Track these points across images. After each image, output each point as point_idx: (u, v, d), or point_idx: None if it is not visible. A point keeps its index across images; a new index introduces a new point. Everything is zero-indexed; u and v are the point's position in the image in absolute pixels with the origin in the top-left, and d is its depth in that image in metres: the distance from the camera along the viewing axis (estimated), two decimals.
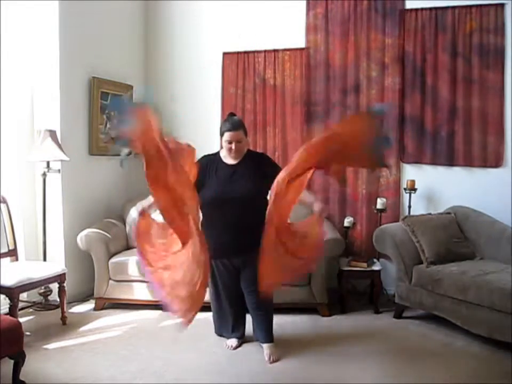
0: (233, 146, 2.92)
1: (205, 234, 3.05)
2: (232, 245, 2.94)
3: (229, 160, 3.02)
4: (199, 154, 3.10)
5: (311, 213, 2.99)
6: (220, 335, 3.30)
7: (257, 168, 2.99)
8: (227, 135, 2.93)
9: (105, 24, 4.40)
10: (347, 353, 3.10)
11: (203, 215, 3.04)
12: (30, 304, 3.79)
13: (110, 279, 3.87)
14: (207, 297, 3.73)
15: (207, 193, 2.94)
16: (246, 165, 2.99)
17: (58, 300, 3.60)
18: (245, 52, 4.62)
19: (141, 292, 3.85)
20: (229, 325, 3.22)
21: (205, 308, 3.73)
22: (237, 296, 3.14)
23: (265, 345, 3.07)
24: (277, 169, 2.95)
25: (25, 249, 3.92)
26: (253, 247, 2.93)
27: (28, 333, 3.23)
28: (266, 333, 3.11)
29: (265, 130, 4.59)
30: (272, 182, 2.87)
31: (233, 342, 3.19)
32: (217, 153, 3.11)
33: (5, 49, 3.74)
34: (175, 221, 2.62)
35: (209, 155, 3.19)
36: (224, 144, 2.97)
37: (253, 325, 3.20)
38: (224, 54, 4.69)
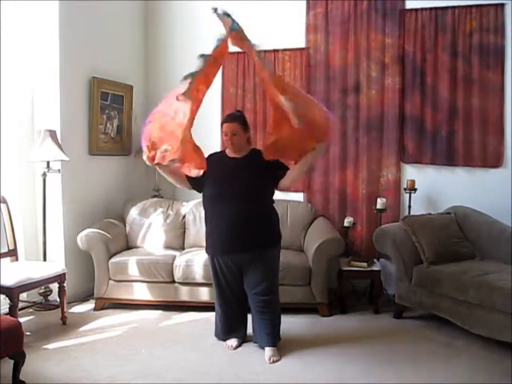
0: (228, 136, 2.95)
1: (207, 231, 3.05)
2: (234, 241, 2.92)
3: (232, 154, 3.02)
4: None
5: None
6: (221, 339, 3.24)
7: (263, 165, 2.94)
8: (223, 127, 2.99)
9: (105, 24, 4.39)
10: (347, 353, 3.10)
11: (205, 210, 3.04)
12: (30, 304, 3.79)
13: (110, 279, 3.87)
14: (208, 297, 3.77)
15: (210, 186, 2.95)
16: (251, 160, 2.99)
17: (58, 300, 3.60)
18: (245, 52, 4.60)
19: (141, 292, 3.85)
20: (230, 325, 3.20)
21: (206, 307, 3.75)
22: (240, 296, 3.12)
23: (267, 348, 3.05)
24: (284, 168, 2.96)
25: (25, 249, 3.92)
26: (257, 246, 2.91)
27: (28, 333, 3.23)
28: (269, 336, 3.06)
29: (265, 130, 4.58)
30: (278, 179, 2.94)
31: (233, 342, 3.18)
32: (223, 151, 3.15)
33: (5, 49, 3.74)
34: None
35: (215, 153, 3.23)
36: (224, 138, 3.01)
37: (253, 326, 3.18)
38: None
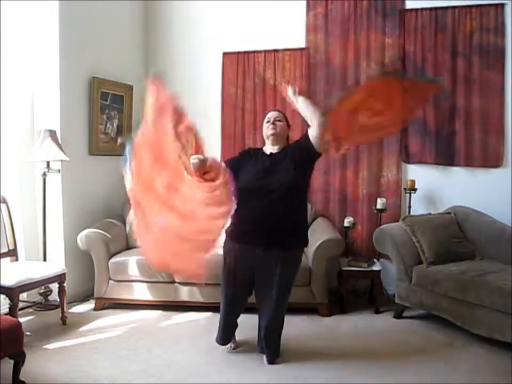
0: (271, 120, 2.95)
1: (233, 221, 2.86)
2: (261, 233, 2.79)
3: (269, 149, 2.97)
4: None
5: None
6: (221, 343, 3.15)
7: (295, 152, 2.87)
8: (267, 115, 3.02)
9: (105, 24, 4.39)
10: (347, 353, 3.10)
11: (238, 202, 2.82)
12: (30, 304, 3.79)
13: (110, 279, 3.87)
14: (209, 298, 3.76)
15: (244, 179, 2.86)
16: (285, 154, 2.90)
17: (58, 299, 3.60)
18: (245, 52, 4.62)
19: (141, 292, 3.85)
20: (232, 328, 3.12)
21: (206, 307, 3.75)
22: (244, 301, 3.04)
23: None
24: (304, 137, 2.87)
25: (25, 249, 3.92)
26: (284, 246, 2.82)
27: (28, 333, 3.23)
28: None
29: None
30: (307, 147, 2.81)
31: (231, 343, 3.16)
32: (261, 148, 3.07)
33: (5, 49, 3.74)
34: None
35: (253, 148, 3.24)
36: (265, 126, 2.99)
37: (259, 333, 3.07)
38: (224, 54, 4.69)
